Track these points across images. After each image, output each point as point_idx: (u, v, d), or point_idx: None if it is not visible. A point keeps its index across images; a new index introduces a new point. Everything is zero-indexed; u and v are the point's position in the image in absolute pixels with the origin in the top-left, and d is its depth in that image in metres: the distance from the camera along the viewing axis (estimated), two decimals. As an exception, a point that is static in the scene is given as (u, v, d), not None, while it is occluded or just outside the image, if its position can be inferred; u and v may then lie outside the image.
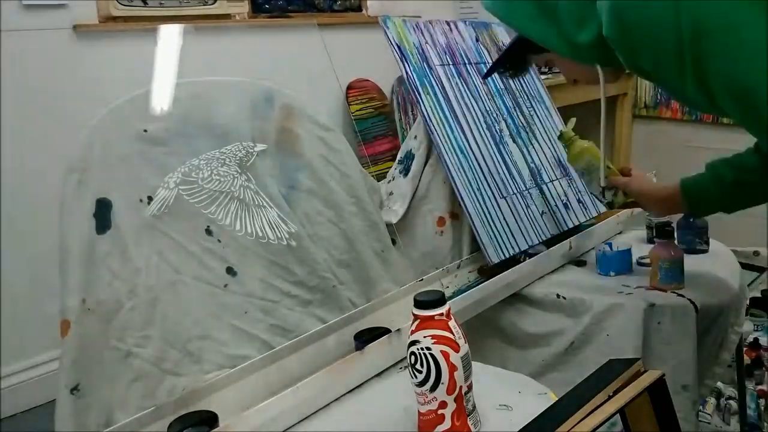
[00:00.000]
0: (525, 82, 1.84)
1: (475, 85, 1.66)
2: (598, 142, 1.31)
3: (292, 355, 1.06)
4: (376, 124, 2.89)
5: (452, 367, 0.80)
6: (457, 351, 0.81)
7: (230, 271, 1.10)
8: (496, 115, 1.67)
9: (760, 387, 1.94)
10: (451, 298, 1.17)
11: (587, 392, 0.74)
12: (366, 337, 1.08)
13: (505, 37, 1.87)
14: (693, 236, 1.52)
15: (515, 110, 1.74)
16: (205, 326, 1.06)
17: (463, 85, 1.62)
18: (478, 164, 1.53)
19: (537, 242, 1.54)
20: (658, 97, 3.09)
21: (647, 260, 1.40)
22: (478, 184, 1.50)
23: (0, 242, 1.90)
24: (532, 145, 1.73)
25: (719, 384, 1.96)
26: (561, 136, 1.48)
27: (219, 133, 1.19)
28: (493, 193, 1.52)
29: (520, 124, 1.73)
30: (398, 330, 1.05)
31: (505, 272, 1.36)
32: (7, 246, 1.92)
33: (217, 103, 1.21)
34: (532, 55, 1.20)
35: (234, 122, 1.21)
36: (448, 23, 1.70)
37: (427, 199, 1.53)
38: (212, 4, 2.38)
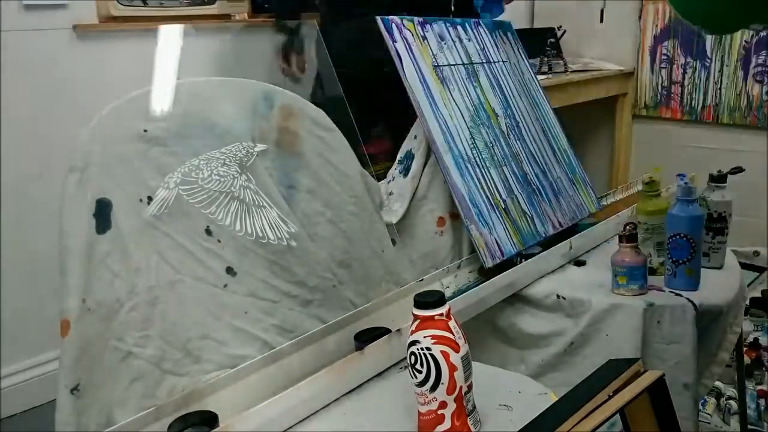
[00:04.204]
0: (523, 84, 1.84)
1: (473, 86, 1.66)
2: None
3: (292, 355, 1.06)
4: (376, 124, 2.88)
5: (452, 367, 0.80)
6: (457, 351, 0.81)
7: (230, 271, 1.10)
8: (494, 116, 1.67)
9: (760, 387, 1.94)
10: (451, 298, 1.17)
11: (587, 392, 0.74)
12: (366, 337, 1.08)
13: (504, 36, 1.87)
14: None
15: (512, 112, 1.74)
16: (205, 326, 1.06)
17: (461, 86, 1.62)
18: (476, 166, 1.53)
19: (532, 243, 1.54)
20: (658, 97, 3.09)
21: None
22: (475, 186, 1.50)
23: (0, 242, 1.90)
24: (528, 146, 1.73)
25: (719, 384, 1.96)
26: (651, 183, 1.42)
27: (219, 133, 1.19)
28: (488, 196, 1.52)
29: (517, 126, 1.73)
30: (398, 330, 1.05)
31: (505, 272, 1.36)
32: (7, 246, 1.92)
33: (217, 103, 1.21)
34: None
35: (234, 122, 1.21)
36: (447, 22, 1.70)
37: (427, 199, 1.53)
38: (212, 4, 2.38)
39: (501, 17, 1.92)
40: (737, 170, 1.55)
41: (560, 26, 3.00)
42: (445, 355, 0.80)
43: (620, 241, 1.32)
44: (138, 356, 1.00)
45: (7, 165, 1.91)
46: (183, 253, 1.07)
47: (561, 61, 2.93)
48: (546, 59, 2.88)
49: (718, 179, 1.46)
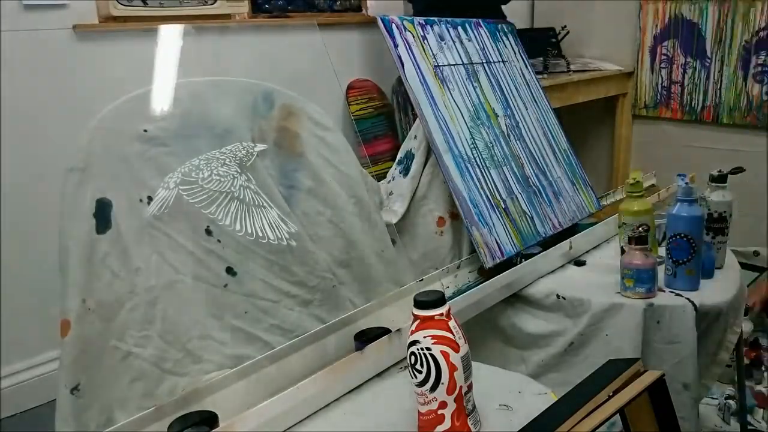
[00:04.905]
0: (523, 84, 1.84)
1: (473, 86, 1.66)
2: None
3: (292, 355, 1.06)
4: (376, 124, 2.89)
5: (452, 367, 0.80)
6: (457, 351, 0.81)
7: (230, 271, 1.10)
8: (494, 116, 1.67)
9: (758, 389, 1.94)
10: (451, 298, 1.17)
11: (587, 392, 0.74)
12: (366, 337, 1.08)
13: (504, 37, 1.86)
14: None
15: (512, 112, 1.74)
16: (205, 326, 1.06)
17: (462, 86, 1.62)
18: (476, 167, 1.53)
19: (532, 243, 1.54)
20: (658, 97, 3.09)
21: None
22: (475, 186, 1.50)
23: (0, 242, 1.90)
24: (528, 147, 1.73)
25: (718, 384, 1.95)
26: (635, 184, 1.40)
27: (219, 133, 1.19)
28: (489, 196, 1.52)
29: (517, 126, 1.73)
30: (398, 330, 1.05)
31: (505, 272, 1.36)
32: (7, 246, 1.92)
33: (217, 102, 1.21)
34: None
35: (234, 122, 1.21)
36: (448, 23, 1.70)
37: (427, 199, 1.53)
38: (212, 4, 2.38)
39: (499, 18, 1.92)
40: (738, 170, 1.54)
41: (564, 26, 2.98)
42: (445, 355, 0.80)
43: (629, 242, 1.31)
44: (138, 356, 1.00)
45: (7, 165, 1.91)
46: (183, 253, 1.07)
47: (562, 61, 2.93)
48: (547, 59, 2.88)
49: (718, 179, 1.46)
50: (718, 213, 1.44)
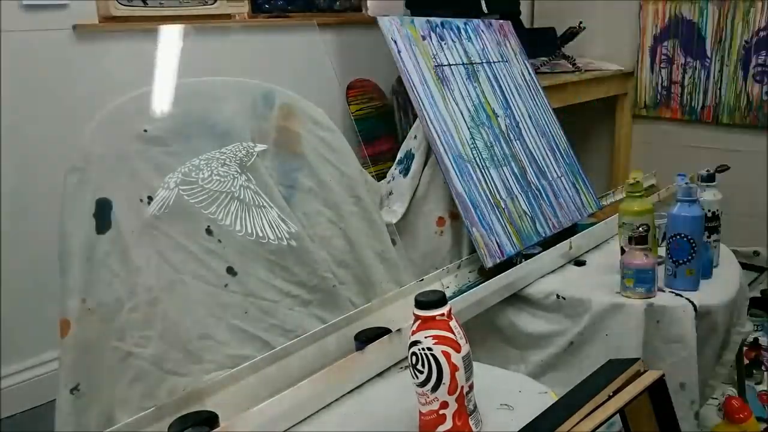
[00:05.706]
0: (523, 84, 1.84)
1: (473, 86, 1.66)
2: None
3: (292, 355, 1.06)
4: (376, 124, 2.89)
5: (453, 367, 0.80)
6: (458, 351, 0.81)
7: (230, 271, 1.10)
8: (494, 116, 1.67)
9: (761, 389, 1.94)
10: (451, 298, 1.17)
11: (587, 392, 0.74)
12: (366, 337, 1.08)
13: (504, 37, 1.86)
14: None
15: (512, 112, 1.74)
16: (205, 326, 1.06)
17: (461, 86, 1.62)
18: (476, 167, 1.53)
19: (532, 243, 1.54)
20: (658, 98, 3.09)
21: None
22: (475, 187, 1.50)
23: (0, 242, 1.90)
24: (528, 147, 1.73)
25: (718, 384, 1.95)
26: (635, 184, 1.41)
27: (219, 133, 1.19)
28: (489, 196, 1.52)
29: (517, 126, 1.73)
30: (398, 330, 1.05)
31: (505, 272, 1.36)
32: (7, 246, 1.92)
33: (216, 102, 1.21)
34: None
35: (234, 122, 1.21)
36: (448, 23, 1.70)
37: (427, 199, 1.53)
38: (212, 4, 2.37)
39: (501, 18, 1.92)
40: (723, 168, 1.55)
41: (581, 22, 2.96)
42: (447, 355, 0.80)
43: (629, 242, 1.31)
44: (138, 356, 1.00)
45: (7, 165, 1.91)
46: (183, 253, 1.07)
47: (566, 60, 2.93)
48: (551, 59, 2.87)
49: (707, 179, 1.46)
50: (711, 212, 1.44)
